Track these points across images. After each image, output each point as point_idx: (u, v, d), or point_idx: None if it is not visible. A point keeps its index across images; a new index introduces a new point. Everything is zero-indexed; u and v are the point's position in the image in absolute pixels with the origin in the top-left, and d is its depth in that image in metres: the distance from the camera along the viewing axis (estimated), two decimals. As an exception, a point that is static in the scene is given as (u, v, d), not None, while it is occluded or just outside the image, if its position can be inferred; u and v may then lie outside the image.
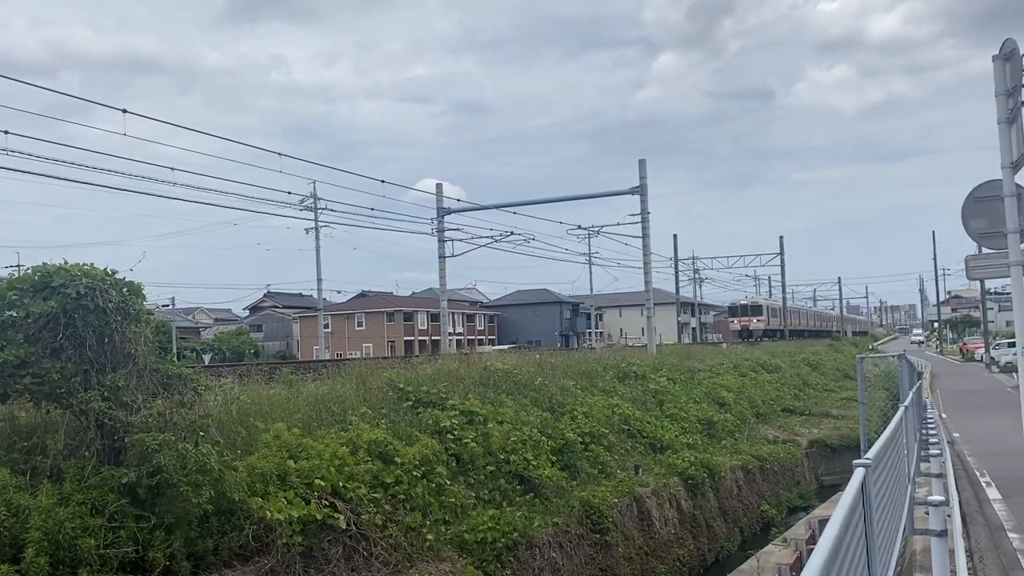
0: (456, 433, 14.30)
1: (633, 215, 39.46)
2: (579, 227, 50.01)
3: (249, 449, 10.29)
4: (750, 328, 72.65)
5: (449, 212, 41.43)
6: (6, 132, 19.26)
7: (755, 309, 74.49)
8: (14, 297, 8.93)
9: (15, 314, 8.79)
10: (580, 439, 17.44)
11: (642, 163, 37.94)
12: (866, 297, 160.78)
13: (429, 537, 11.64)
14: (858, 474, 4.20)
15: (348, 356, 26.87)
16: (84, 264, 9.28)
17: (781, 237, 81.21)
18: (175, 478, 8.27)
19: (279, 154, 26.45)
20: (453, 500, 12.83)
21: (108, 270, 9.34)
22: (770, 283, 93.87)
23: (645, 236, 38.68)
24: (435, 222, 40.65)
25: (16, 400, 8.85)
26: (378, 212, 33.06)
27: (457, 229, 41.06)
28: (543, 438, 16.11)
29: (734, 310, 76.56)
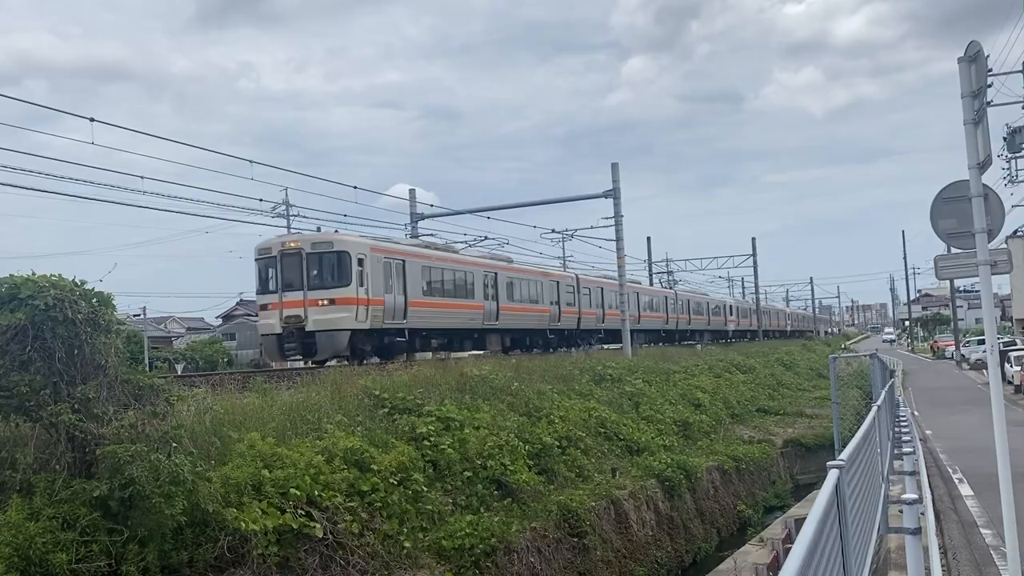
0: (433, 439, 14.24)
1: (607, 218, 39.50)
2: (553, 231, 49.92)
3: (223, 459, 10.19)
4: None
5: (423, 217, 41.29)
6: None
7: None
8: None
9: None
10: (557, 443, 17.44)
11: (615, 167, 38.06)
12: (838, 297, 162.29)
13: (407, 544, 11.59)
14: (832, 475, 4.24)
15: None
16: (52, 275, 9.16)
17: (753, 238, 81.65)
18: (148, 490, 8.17)
19: (250, 161, 26.27)
20: (430, 507, 12.78)
21: (77, 281, 9.22)
22: (743, 284, 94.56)
23: (619, 239, 38.78)
24: (409, 228, 40.51)
25: (-16, 414, 8.71)
26: (351, 218, 32.82)
27: (431, 234, 40.91)
28: (520, 443, 16.10)
29: None
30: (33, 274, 9.03)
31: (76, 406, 8.48)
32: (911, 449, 12.26)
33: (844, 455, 5.10)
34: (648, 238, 78.34)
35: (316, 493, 10.62)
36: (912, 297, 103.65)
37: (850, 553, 4.45)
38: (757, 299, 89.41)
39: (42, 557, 7.56)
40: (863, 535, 6.10)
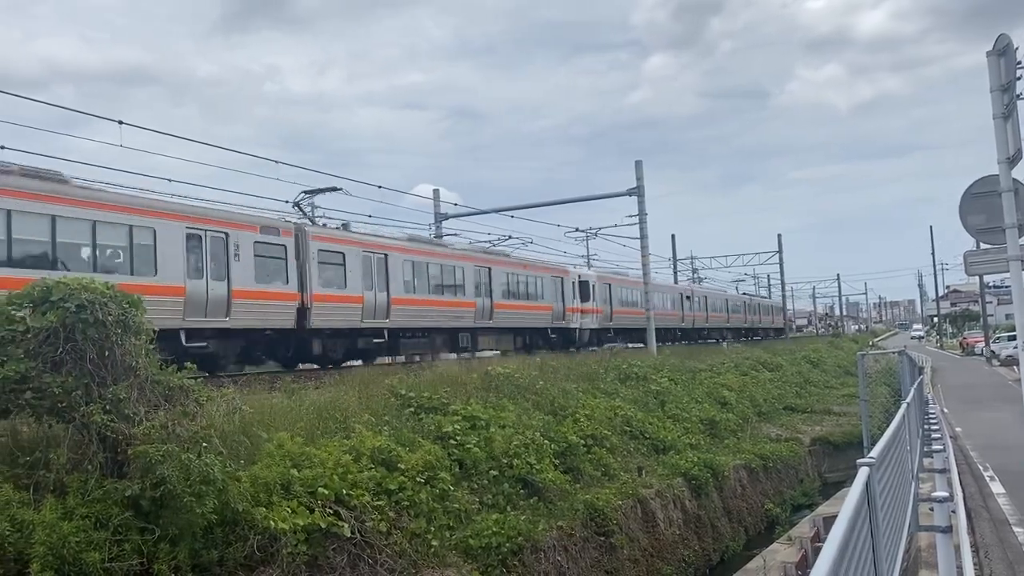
0: (459, 438, 14.28)
1: (631, 216, 39.46)
2: (577, 229, 49.83)
3: (252, 459, 10.27)
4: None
5: (447, 217, 41.40)
6: (2, 147, 19.22)
7: None
8: (14, 312, 8.93)
9: (15, 329, 8.78)
10: (583, 441, 17.43)
11: (638, 164, 38.00)
12: (865, 293, 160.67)
13: (434, 543, 11.63)
14: (862, 473, 4.21)
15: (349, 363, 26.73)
16: (83, 277, 9.28)
17: (779, 235, 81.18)
18: (178, 489, 8.26)
19: (275, 162, 26.38)
20: (457, 506, 12.81)
21: (107, 283, 9.34)
22: (769, 281, 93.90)
23: (643, 237, 38.68)
24: (433, 227, 40.62)
25: (18, 415, 8.83)
26: (376, 218, 32.87)
27: (455, 234, 41.00)
28: (546, 441, 16.10)
29: None
30: (64, 277, 9.16)
31: (107, 407, 8.59)
32: (941, 447, 12.15)
33: (874, 453, 5.07)
34: (672, 236, 78.01)
35: (344, 492, 10.68)
36: (940, 293, 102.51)
37: (881, 551, 4.43)
38: (784, 297, 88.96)
39: (76, 556, 7.66)
40: (894, 533, 6.06)
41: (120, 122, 20.36)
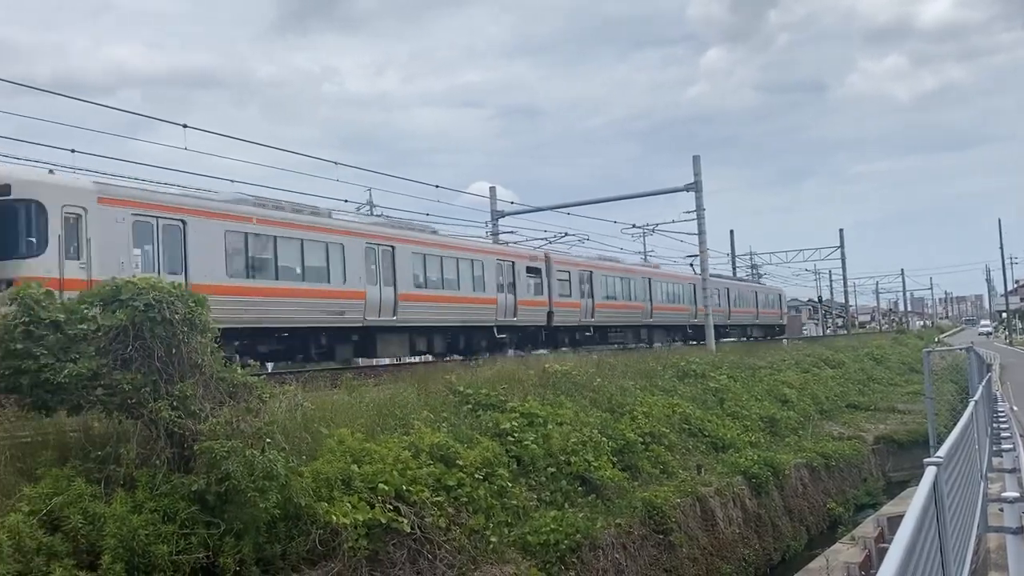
0: (516, 435, 14.32)
1: (688, 212, 39.18)
2: (633, 226, 49.55)
3: (314, 454, 10.44)
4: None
5: (503, 215, 41.50)
6: (72, 151, 19.79)
7: None
8: (85, 310, 9.19)
9: (87, 327, 9.04)
10: (641, 439, 17.35)
11: (696, 159, 37.65)
12: (930, 288, 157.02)
13: (492, 539, 11.69)
14: (929, 473, 4.13)
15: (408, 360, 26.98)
16: (151, 277, 9.52)
17: (841, 230, 79.28)
18: (243, 484, 8.42)
19: (335, 163, 26.95)
20: (515, 502, 12.86)
21: (174, 283, 9.57)
22: (831, 277, 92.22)
23: (701, 233, 38.36)
24: (489, 225, 40.76)
25: (89, 411, 9.10)
26: (433, 217, 33.15)
27: (512, 232, 41.12)
28: (603, 439, 16.06)
29: None
30: (134, 277, 9.40)
31: (174, 403, 8.78)
32: (1011, 446, 11.84)
33: (941, 452, 4.97)
34: (731, 231, 76.61)
35: (404, 488, 10.79)
36: (1009, 288, 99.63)
37: (949, 552, 4.34)
38: (846, 294, 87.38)
39: (145, 548, 7.85)
40: (962, 534, 5.93)
41: (184, 125, 20.81)
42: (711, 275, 45.20)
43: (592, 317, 35.30)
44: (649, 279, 41.73)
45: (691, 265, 49.66)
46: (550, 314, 32.60)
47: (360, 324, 23.06)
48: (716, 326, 44.02)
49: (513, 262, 31.00)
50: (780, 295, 68.15)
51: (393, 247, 24.45)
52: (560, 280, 33.66)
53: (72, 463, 8.57)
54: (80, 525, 7.79)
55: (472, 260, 28.68)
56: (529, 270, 31.93)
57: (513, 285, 30.41)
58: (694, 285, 43.29)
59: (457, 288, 27.76)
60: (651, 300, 41.19)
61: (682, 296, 45.12)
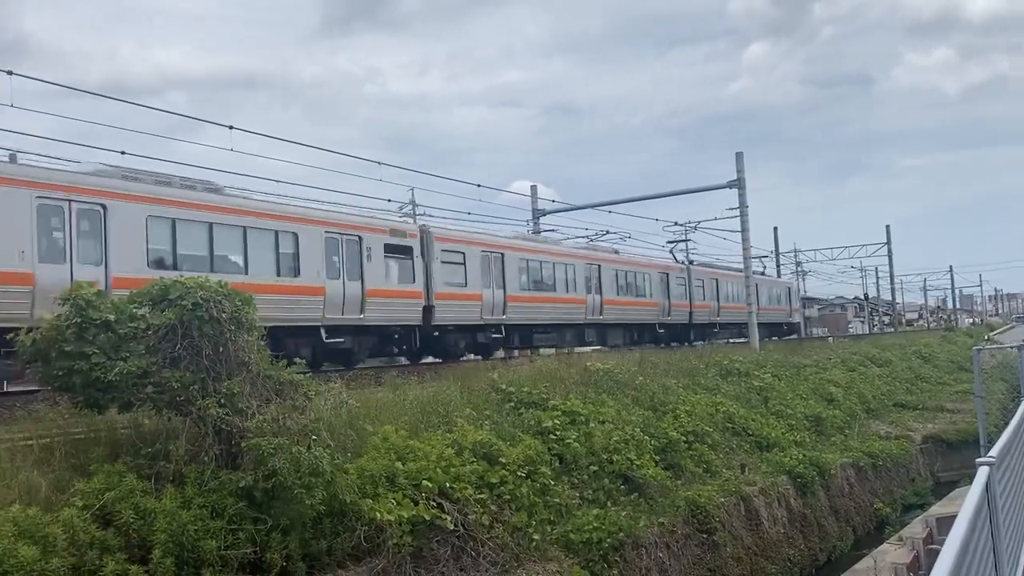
0: (558, 433, 14.31)
1: (731, 209, 38.81)
2: (675, 223, 49.19)
3: (359, 451, 10.53)
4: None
5: (544, 213, 41.52)
6: (123, 152, 20.16)
7: None
8: (135, 310, 9.37)
9: (136, 326, 9.21)
10: (683, 438, 17.24)
11: (739, 156, 37.35)
12: (980, 285, 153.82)
13: (535, 537, 11.70)
14: (982, 473, 4.06)
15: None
16: (199, 277, 9.68)
17: (888, 226, 78.48)
18: (289, 481, 8.52)
19: (378, 163, 27.01)
20: (558, 500, 12.86)
21: (221, 282, 9.71)
22: (877, 274, 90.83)
23: (744, 230, 38.00)
24: (530, 223, 40.79)
25: (140, 408, 9.27)
26: (475, 215, 33.27)
27: (552, 230, 41.09)
28: (646, 437, 15.99)
29: None
30: (181, 277, 9.57)
31: (222, 401, 8.92)
32: (1065, 446, 11.57)
33: (994, 451, 4.88)
34: (775, 228, 75.71)
35: (447, 485, 10.83)
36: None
37: (1002, 553, 4.27)
38: (892, 291, 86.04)
39: (194, 543, 7.98)
40: (1016, 536, 5.82)
41: (231, 127, 21.10)
42: (699, 263, 42.86)
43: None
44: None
45: (671, 252, 43.72)
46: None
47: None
48: (702, 324, 41.00)
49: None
50: (789, 289, 58.87)
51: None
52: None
53: (123, 459, 8.74)
54: (131, 520, 7.94)
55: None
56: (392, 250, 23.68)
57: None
58: (666, 275, 38.03)
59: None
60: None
61: (648, 288, 37.15)
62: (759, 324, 45.95)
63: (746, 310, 38.29)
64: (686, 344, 36.56)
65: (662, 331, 38.83)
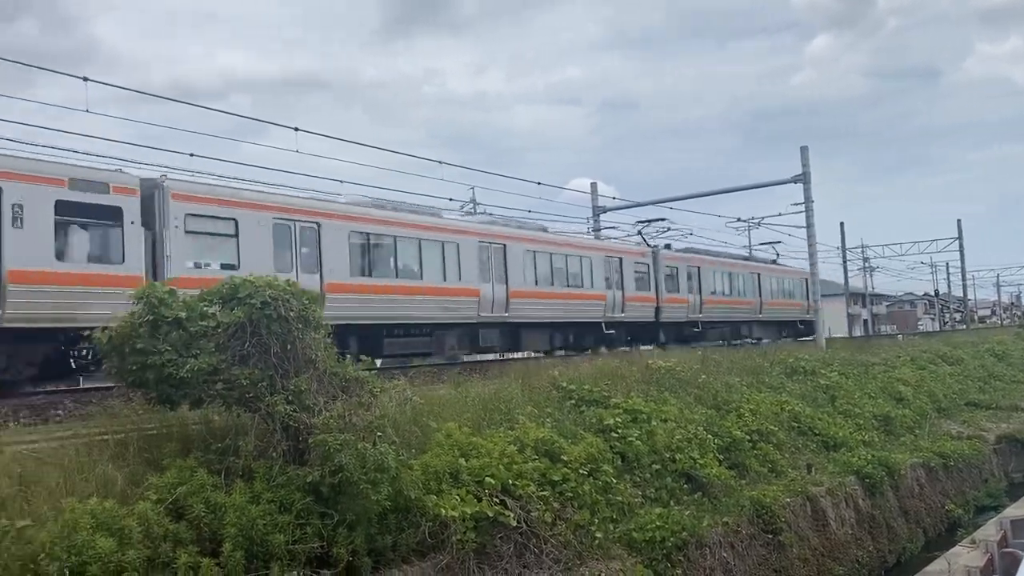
0: (620, 431, 14.27)
1: (796, 204, 38.22)
2: (738, 219, 48.56)
3: (423, 448, 10.64)
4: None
5: (604, 210, 41.37)
6: (191, 155, 20.64)
7: None
8: (206, 308, 9.59)
9: (207, 324, 9.42)
10: (748, 437, 17.06)
11: (804, 150, 36.77)
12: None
13: (598, 535, 11.68)
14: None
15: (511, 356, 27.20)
16: (267, 276, 9.87)
17: (959, 220, 75.82)
18: (355, 476, 8.63)
19: (439, 162, 27.35)
20: (620, 498, 12.82)
21: (288, 281, 9.89)
22: (948, 269, 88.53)
23: (809, 226, 37.38)
24: (590, 221, 40.68)
25: (210, 404, 9.49)
26: (535, 213, 33.28)
27: (613, 227, 40.90)
28: (709, 436, 15.85)
29: None
30: (250, 276, 9.77)
31: (290, 397, 9.07)
32: None
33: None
34: (841, 223, 74.22)
35: (510, 482, 10.87)
36: None
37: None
38: (964, 287, 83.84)
39: (263, 538, 8.13)
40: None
41: (296, 129, 21.43)
42: (682, 249, 38.49)
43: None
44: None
45: (639, 232, 38.19)
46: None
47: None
48: (677, 323, 35.91)
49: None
50: (805, 281, 46.06)
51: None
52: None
53: (194, 454, 8.93)
54: (203, 514, 8.12)
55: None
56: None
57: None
58: (617, 260, 32.14)
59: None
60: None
61: (588, 277, 30.56)
62: (762, 323, 44.26)
63: (747, 305, 38.61)
64: (654, 346, 31.69)
65: (611, 331, 31.20)
